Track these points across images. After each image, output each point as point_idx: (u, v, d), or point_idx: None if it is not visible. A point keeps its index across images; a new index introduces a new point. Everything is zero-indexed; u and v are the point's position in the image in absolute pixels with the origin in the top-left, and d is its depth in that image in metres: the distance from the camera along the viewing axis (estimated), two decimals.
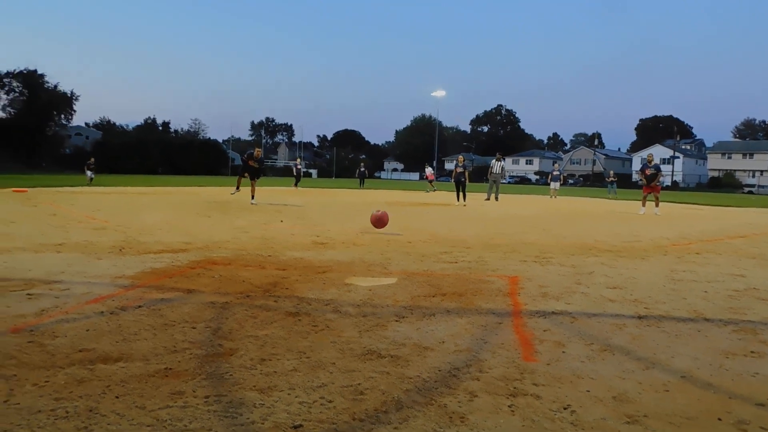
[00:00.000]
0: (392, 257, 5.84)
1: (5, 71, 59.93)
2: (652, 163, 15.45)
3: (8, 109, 60.66)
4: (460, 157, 19.91)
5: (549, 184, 26.63)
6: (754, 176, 72.87)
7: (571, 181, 73.45)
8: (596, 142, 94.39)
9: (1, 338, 2.78)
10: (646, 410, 2.13)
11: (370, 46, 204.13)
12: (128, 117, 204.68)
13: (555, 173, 26.28)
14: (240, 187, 14.80)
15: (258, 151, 14.95)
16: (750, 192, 61.54)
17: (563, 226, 10.69)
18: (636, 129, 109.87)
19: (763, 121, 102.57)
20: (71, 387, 2.20)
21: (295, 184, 28.18)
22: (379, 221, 8.10)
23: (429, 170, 31.78)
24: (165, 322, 3.16)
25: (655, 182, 15.08)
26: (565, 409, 2.14)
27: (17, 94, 60.54)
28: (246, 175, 14.64)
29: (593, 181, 73.70)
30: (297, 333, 3.03)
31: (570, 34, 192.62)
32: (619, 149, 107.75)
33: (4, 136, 53.75)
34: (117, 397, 2.11)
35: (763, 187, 66.07)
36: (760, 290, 4.56)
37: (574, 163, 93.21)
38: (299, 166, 30.19)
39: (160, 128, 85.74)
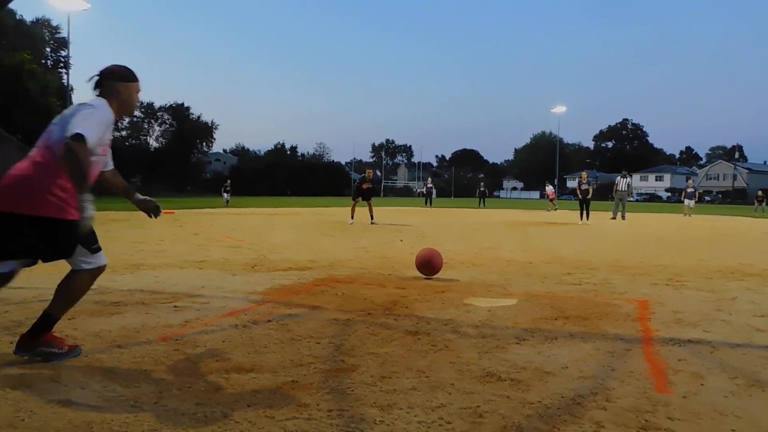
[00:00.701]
0: (512, 278, 5.71)
1: (158, 106, 67.43)
2: None
3: (160, 139, 68.01)
4: (584, 173, 19.09)
5: (683, 202, 24.92)
6: None
7: (707, 198, 67.29)
8: (737, 155, 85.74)
9: (152, 346, 3.09)
10: None
11: (486, 64, 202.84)
12: (260, 143, 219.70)
13: (689, 190, 24.52)
14: (354, 216, 14.77)
15: (369, 173, 15.13)
16: None
17: (700, 247, 9.82)
18: None
19: None
20: (209, 393, 2.39)
21: (427, 204, 30.48)
22: (426, 264, 5.58)
23: (549, 188, 30.80)
24: (292, 336, 3.33)
25: None
26: None
27: (167, 126, 67.70)
28: (359, 198, 14.84)
29: (734, 198, 66.88)
30: (416, 352, 3.06)
31: (699, 34, 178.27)
32: (765, 162, 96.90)
33: (157, 163, 60.10)
34: (248, 406, 2.26)
35: None
36: None
37: (711, 179, 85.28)
38: (429, 186, 33.35)
39: (288, 152, 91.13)
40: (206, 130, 68.28)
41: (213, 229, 12.33)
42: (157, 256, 7.12)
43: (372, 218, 14.54)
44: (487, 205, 33.58)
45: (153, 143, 68.48)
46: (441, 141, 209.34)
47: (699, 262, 7.37)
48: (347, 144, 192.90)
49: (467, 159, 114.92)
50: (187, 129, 65.13)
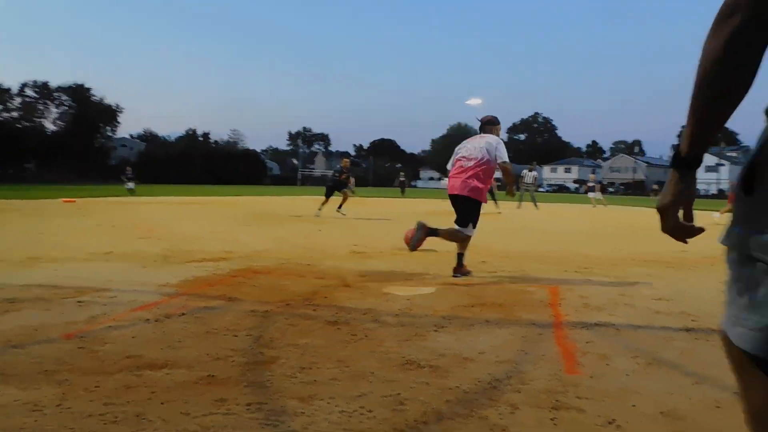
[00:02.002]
0: (431, 267, 5.83)
1: (56, 86, 62.64)
2: None
3: (58, 122, 63.24)
4: None
5: (587, 194, 26.70)
6: None
7: (611, 189, 71.97)
8: (637, 150, 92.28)
9: (54, 344, 2.88)
10: (695, 427, 2.06)
11: (404, 53, 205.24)
12: (170, 128, 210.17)
13: (590, 184, 26.37)
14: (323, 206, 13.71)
15: (346, 162, 14.10)
16: None
17: (605, 236, 10.46)
18: (678, 136, 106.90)
19: None
20: (120, 392, 2.26)
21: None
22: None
23: (446, 181, 31.73)
24: (208, 329, 3.22)
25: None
26: (610, 423, 2.09)
27: (66, 108, 63.08)
28: (337, 192, 13.82)
29: (634, 190, 72.02)
30: (336, 342, 3.04)
31: (605, 41, 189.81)
32: (661, 157, 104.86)
33: (56, 148, 55.94)
34: (162, 404, 2.16)
35: None
36: None
37: (614, 171, 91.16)
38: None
39: (201, 139, 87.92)
40: (110, 114, 64.42)
41: (120, 218, 11.69)
42: (57, 247, 6.64)
43: (340, 207, 13.68)
44: (406, 195, 34.07)
45: (50, 126, 63.59)
46: (359, 130, 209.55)
47: (605, 250, 7.85)
48: (263, 131, 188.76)
49: (385, 149, 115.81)
50: (88, 112, 61.06)
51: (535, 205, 20.37)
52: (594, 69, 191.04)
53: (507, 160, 5.18)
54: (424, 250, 7.24)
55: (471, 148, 5.27)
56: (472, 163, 5.19)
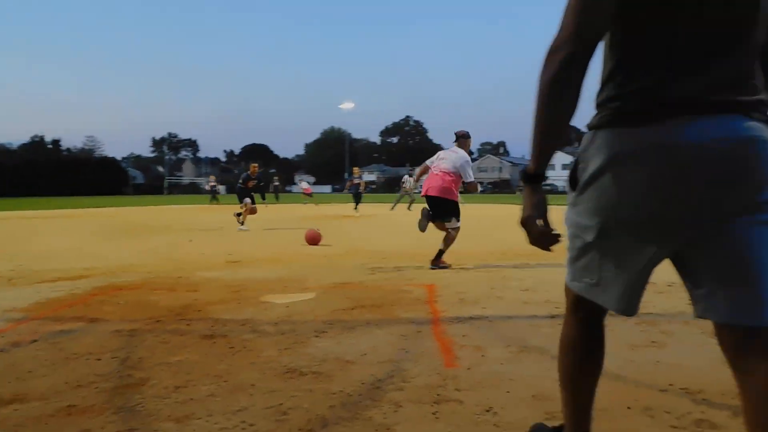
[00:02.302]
0: (308, 272, 5.76)
1: None
2: None
3: None
4: (356, 169, 21.57)
5: None
6: None
7: (480, 188, 76.15)
8: (502, 150, 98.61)
9: None
10: None
11: (274, 56, 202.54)
12: (13, 135, 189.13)
13: None
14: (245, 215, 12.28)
15: (254, 167, 12.82)
16: None
17: (476, 233, 11.02)
18: None
19: None
20: None
21: (212, 201, 28.71)
22: (313, 239, 8.75)
23: (304, 184, 32.14)
24: (65, 355, 2.91)
25: None
26: (487, 411, 2.18)
27: None
28: (248, 200, 12.40)
29: (501, 188, 76.94)
30: (213, 356, 2.90)
31: (468, 44, 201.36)
32: (523, 156, 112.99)
33: None
34: None
35: None
36: (657, 284, 4.80)
37: (482, 171, 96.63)
38: (213, 183, 31.36)
39: (50, 146, 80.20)
40: None
41: None
42: None
43: (242, 224, 11.97)
44: (281, 200, 33.47)
45: None
46: (230, 135, 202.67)
47: (476, 246, 8.25)
48: (123, 138, 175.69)
49: (258, 154, 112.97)
50: None
51: (409, 207, 21.06)
52: (461, 73, 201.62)
53: (472, 179, 6.24)
54: (300, 251, 7.17)
55: (446, 160, 6.30)
56: (443, 173, 6.21)
